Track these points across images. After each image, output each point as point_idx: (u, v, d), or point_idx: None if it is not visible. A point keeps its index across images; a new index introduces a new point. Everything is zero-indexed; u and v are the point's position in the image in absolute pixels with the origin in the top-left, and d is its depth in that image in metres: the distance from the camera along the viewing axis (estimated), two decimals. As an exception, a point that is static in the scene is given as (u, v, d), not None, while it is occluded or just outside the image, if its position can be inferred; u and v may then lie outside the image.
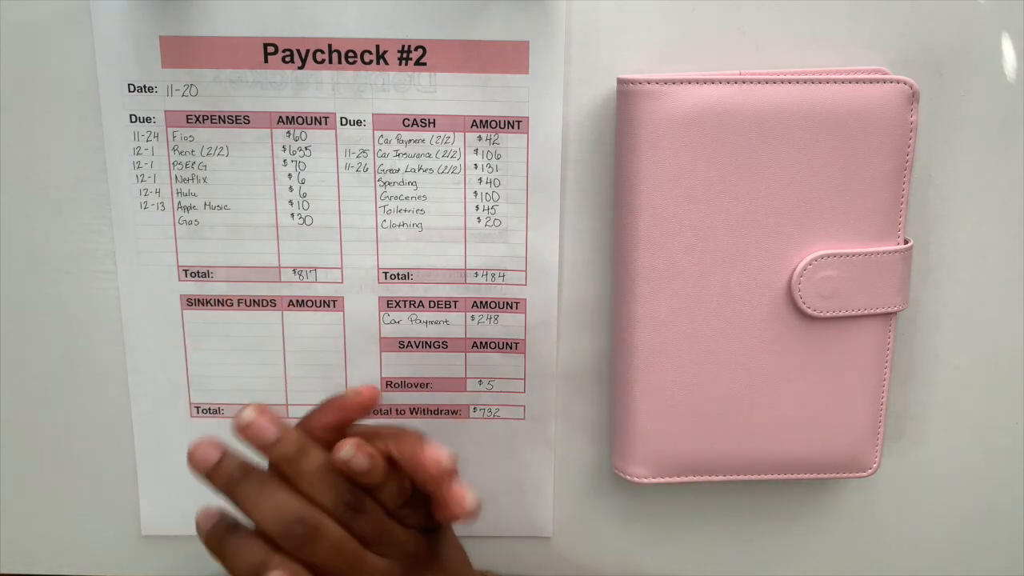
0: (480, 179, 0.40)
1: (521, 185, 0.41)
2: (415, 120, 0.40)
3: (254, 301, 0.42)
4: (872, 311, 0.40)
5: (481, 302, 0.42)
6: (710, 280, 0.39)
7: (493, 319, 0.42)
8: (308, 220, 0.41)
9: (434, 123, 0.40)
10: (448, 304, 0.42)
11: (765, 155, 0.38)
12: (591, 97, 0.40)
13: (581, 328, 0.43)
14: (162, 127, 0.40)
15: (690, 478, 0.42)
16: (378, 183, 0.41)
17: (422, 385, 0.43)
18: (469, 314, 0.42)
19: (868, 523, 0.46)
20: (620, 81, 0.38)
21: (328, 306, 0.42)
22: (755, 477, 0.42)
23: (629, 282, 0.39)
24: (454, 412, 0.44)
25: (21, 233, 0.41)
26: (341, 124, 0.40)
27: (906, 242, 0.40)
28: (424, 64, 0.39)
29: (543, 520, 0.45)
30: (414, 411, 0.44)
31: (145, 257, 0.41)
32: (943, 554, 0.47)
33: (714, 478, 0.42)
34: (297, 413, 0.43)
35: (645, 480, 0.42)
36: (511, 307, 0.42)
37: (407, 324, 0.42)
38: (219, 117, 0.40)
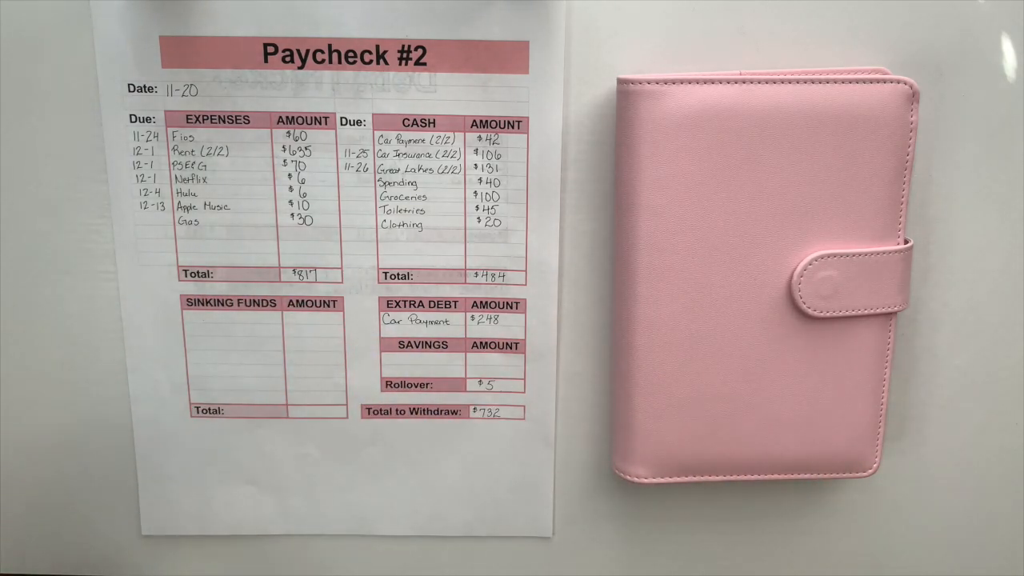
0: (480, 179, 0.40)
1: (521, 185, 0.41)
2: (415, 120, 0.40)
3: (254, 301, 0.42)
4: (872, 311, 0.40)
5: (481, 302, 0.42)
6: (710, 280, 0.39)
7: (493, 319, 0.42)
8: (308, 220, 0.41)
9: (434, 123, 0.40)
10: (448, 304, 0.42)
11: (765, 155, 0.38)
12: (591, 97, 0.40)
13: (581, 328, 0.43)
14: (162, 127, 0.40)
15: (690, 478, 0.42)
16: (378, 183, 0.41)
17: (422, 385, 0.43)
18: (469, 314, 0.42)
19: (868, 523, 0.46)
20: (620, 81, 0.38)
21: (328, 306, 0.42)
22: (755, 477, 0.42)
23: (629, 282, 0.39)
24: (454, 412, 0.44)
25: (21, 233, 0.41)
26: (341, 124, 0.40)
27: (906, 242, 0.40)
28: (424, 64, 0.39)
29: (543, 520, 0.45)
30: (414, 411, 0.44)
31: (145, 257, 0.41)
32: (943, 554, 0.47)
33: (714, 478, 0.42)
34: (297, 413, 0.44)
35: (645, 480, 0.42)
36: (511, 307, 0.42)
37: (407, 324, 0.42)
38: (219, 117, 0.40)
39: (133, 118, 0.40)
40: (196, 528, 0.45)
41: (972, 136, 0.41)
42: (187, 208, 0.41)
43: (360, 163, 0.40)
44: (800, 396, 0.40)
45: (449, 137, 0.40)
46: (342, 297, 0.42)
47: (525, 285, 0.42)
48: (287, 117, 0.40)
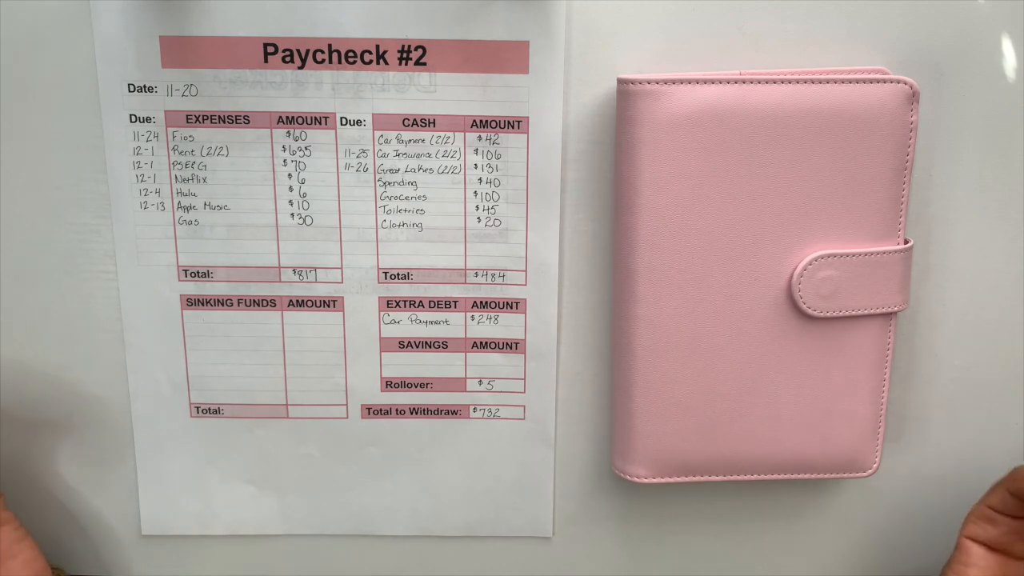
0: (480, 179, 0.40)
1: (521, 185, 0.41)
2: (415, 120, 0.40)
3: (254, 301, 0.42)
4: (872, 311, 0.40)
5: (481, 302, 0.42)
6: (710, 280, 0.39)
7: (493, 319, 0.42)
8: (308, 220, 0.41)
9: (434, 123, 0.40)
10: (448, 304, 0.42)
11: (765, 155, 0.38)
12: (591, 97, 0.40)
13: (581, 328, 0.43)
14: (162, 127, 0.40)
15: (690, 478, 0.42)
16: (378, 183, 0.41)
17: (422, 385, 0.43)
18: (469, 314, 0.42)
19: (868, 523, 0.46)
20: (620, 81, 0.38)
21: (328, 306, 0.42)
22: (755, 477, 0.42)
23: (629, 282, 0.39)
24: (454, 412, 0.44)
25: (21, 233, 0.41)
26: (341, 124, 0.40)
27: (906, 242, 0.40)
28: (424, 64, 0.39)
29: (543, 520, 0.45)
30: (414, 411, 0.44)
31: (145, 257, 0.41)
32: (943, 554, 0.47)
33: (714, 478, 0.42)
34: (297, 413, 0.44)
35: (645, 480, 0.42)
36: (511, 307, 0.42)
37: (407, 324, 0.42)
38: (219, 117, 0.40)
39: (133, 118, 0.40)
40: (196, 528, 0.45)
41: (972, 136, 0.41)
42: (187, 208, 0.41)
43: (360, 163, 0.40)
44: (800, 396, 0.40)
45: (449, 137, 0.40)
46: (342, 297, 0.42)
47: (525, 285, 0.42)
48: (287, 117, 0.40)
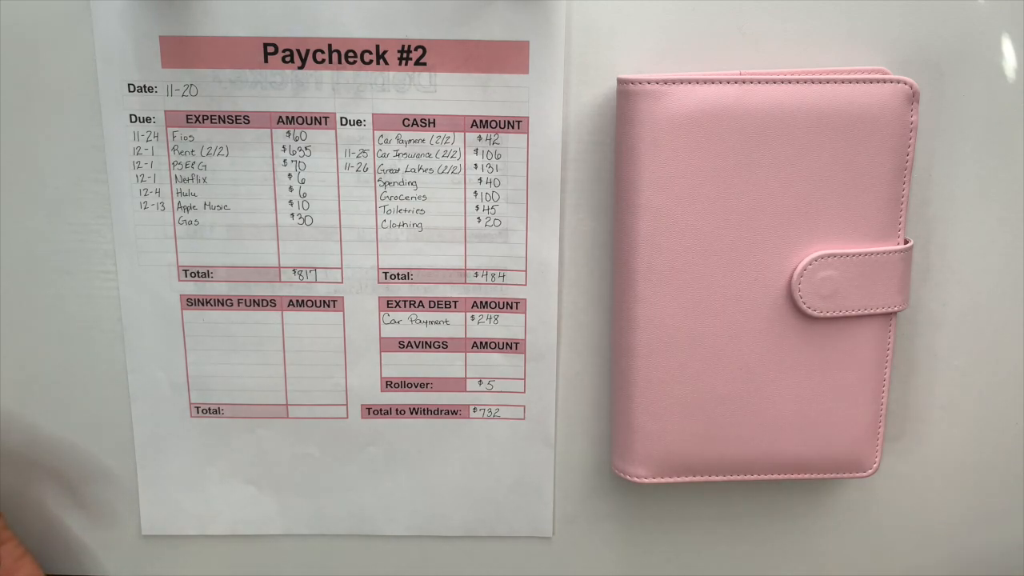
0: (480, 179, 0.40)
1: (521, 185, 0.41)
2: (415, 120, 0.40)
3: (254, 301, 0.42)
4: (872, 311, 0.40)
5: (481, 302, 0.42)
6: (710, 280, 0.39)
7: (493, 319, 0.42)
8: (308, 220, 0.41)
9: (434, 123, 0.40)
10: (448, 304, 0.42)
11: (765, 155, 0.38)
12: (591, 97, 0.40)
13: (581, 328, 0.43)
14: (162, 127, 0.40)
15: (690, 478, 0.42)
16: (378, 183, 0.41)
17: (422, 385, 0.43)
18: (469, 314, 0.42)
19: (868, 523, 0.46)
20: (620, 81, 0.38)
21: (328, 306, 0.42)
22: (755, 477, 0.42)
23: (629, 282, 0.39)
24: (454, 412, 0.44)
25: (21, 233, 0.41)
26: (341, 124, 0.40)
27: (906, 242, 0.40)
28: (424, 64, 0.39)
29: (543, 520, 0.45)
30: (414, 411, 0.44)
31: (145, 257, 0.41)
32: (943, 554, 0.47)
33: (714, 478, 0.42)
34: (297, 413, 0.44)
35: (645, 480, 0.42)
36: (511, 307, 0.42)
37: (407, 324, 0.42)
38: (219, 117, 0.40)
39: (133, 118, 0.40)
40: (196, 528, 0.45)
41: (972, 136, 0.41)
42: (187, 208, 0.41)
43: (360, 163, 0.40)
44: (800, 396, 0.40)
45: (449, 137, 0.40)
46: (342, 297, 0.42)
47: (525, 285, 0.42)
48: (287, 117, 0.40)
